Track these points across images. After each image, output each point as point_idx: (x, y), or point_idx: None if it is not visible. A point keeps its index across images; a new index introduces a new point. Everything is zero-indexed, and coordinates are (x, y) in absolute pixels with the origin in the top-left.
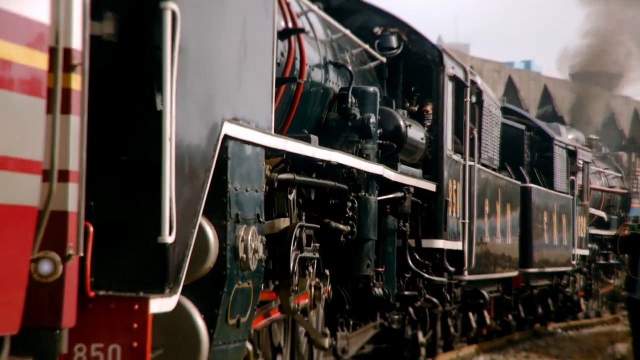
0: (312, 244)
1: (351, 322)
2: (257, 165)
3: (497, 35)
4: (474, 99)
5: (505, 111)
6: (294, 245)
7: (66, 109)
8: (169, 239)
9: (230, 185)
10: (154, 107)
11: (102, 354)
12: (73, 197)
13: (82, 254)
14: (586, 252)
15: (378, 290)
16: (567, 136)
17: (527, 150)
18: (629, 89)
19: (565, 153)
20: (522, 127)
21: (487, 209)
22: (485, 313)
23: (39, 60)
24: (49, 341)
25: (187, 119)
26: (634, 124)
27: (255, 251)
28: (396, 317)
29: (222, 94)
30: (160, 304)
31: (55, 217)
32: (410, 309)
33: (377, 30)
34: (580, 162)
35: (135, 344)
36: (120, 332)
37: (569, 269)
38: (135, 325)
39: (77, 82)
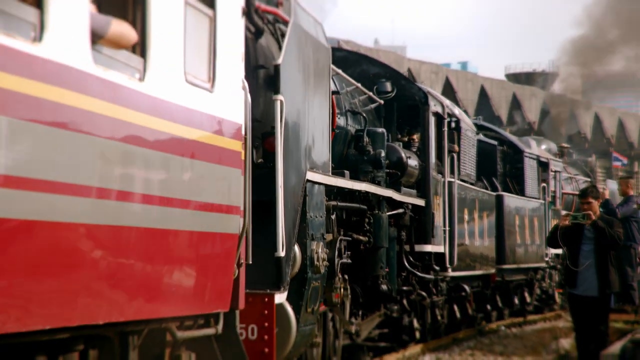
0: (346, 252)
1: (360, 312)
2: (321, 198)
3: (433, 38)
4: (452, 125)
5: (481, 128)
6: (337, 254)
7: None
8: (282, 253)
9: (308, 214)
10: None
11: (244, 331)
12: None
13: (250, 262)
14: (560, 251)
15: (384, 287)
16: (536, 148)
17: (500, 162)
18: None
19: (536, 163)
20: (495, 142)
21: (466, 216)
22: (467, 305)
23: (238, 146)
24: (232, 318)
25: (287, 171)
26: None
27: (323, 259)
28: (395, 307)
29: (305, 150)
30: (279, 298)
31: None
32: (405, 301)
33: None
34: (553, 171)
35: (266, 324)
36: (256, 316)
37: (542, 265)
38: (266, 312)
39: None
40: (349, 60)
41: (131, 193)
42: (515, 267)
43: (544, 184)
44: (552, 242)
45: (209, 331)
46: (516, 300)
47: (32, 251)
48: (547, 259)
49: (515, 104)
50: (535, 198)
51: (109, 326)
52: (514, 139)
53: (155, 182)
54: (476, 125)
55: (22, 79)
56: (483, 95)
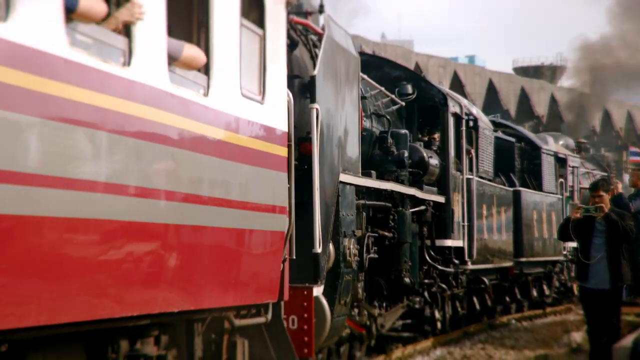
0: (373, 248)
1: (384, 304)
2: (352, 198)
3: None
4: (470, 124)
5: (499, 125)
6: (365, 249)
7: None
8: (319, 250)
9: (341, 212)
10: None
11: (285, 321)
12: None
13: (294, 257)
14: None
15: (407, 280)
16: (554, 144)
17: (518, 159)
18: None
19: (554, 159)
20: (513, 139)
21: (484, 212)
22: (487, 297)
23: (284, 152)
24: (278, 308)
25: (323, 173)
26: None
27: (354, 255)
28: (417, 299)
29: (338, 153)
30: (317, 291)
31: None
32: (426, 294)
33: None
34: (570, 167)
35: (305, 315)
36: (296, 307)
37: (560, 258)
38: (305, 304)
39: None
40: (371, 63)
41: (199, 196)
42: (533, 261)
43: (561, 180)
44: (563, 234)
45: (260, 320)
46: (535, 293)
47: (134, 252)
48: (565, 252)
49: (524, 98)
50: (553, 193)
51: (180, 314)
52: (531, 135)
53: (217, 185)
54: (494, 122)
55: (115, 99)
56: (491, 89)
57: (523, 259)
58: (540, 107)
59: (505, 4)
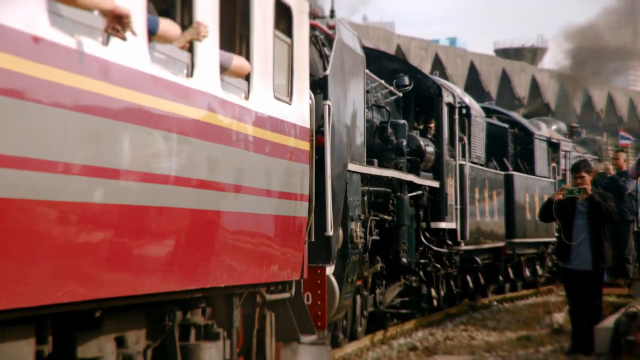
0: (375, 230)
1: (384, 282)
2: (358, 185)
3: (421, 14)
4: (463, 112)
5: (494, 112)
6: (368, 231)
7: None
8: (330, 233)
9: (349, 198)
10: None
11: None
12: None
13: (312, 240)
14: None
15: (404, 260)
16: (547, 129)
17: (511, 144)
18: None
19: (546, 144)
20: (506, 125)
21: (477, 195)
22: (480, 275)
23: (307, 146)
24: (298, 285)
25: (334, 164)
26: (560, 94)
27: (360, 237)
28: (414, 278)
29: (347, 145)
30: (329, 270)
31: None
32: (422, 273)
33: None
34: (563, 151)
35: (319, 292)
36: (311, 285)
37: (552, 239)
38: (319, 282)
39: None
40: (370, 57)
41: (241, 186)
42: (526, 242)
43: (554, 164)
44: (544, 215)
45: (286, 295)
46: (527, 273)
47: (196, 235)
48: (557, 234)
49: (505, 79)
50: (545, 177)
51: (223, 289)
52: (524, 121)
53: (255, 176)
54: (489, 109)
55: (182, 105)
56: (472, 71)
57: (516, 240)
58: (521, 89)
59: None
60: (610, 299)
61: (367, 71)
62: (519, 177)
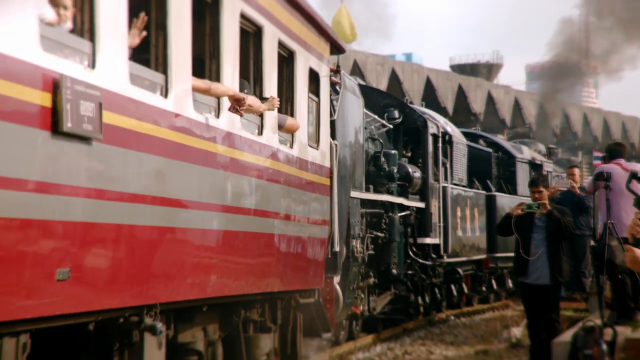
0: (370, 246)
1: (376, 291)
2: (358, 208)
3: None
4: (447, 139)
5: (479, 137)
6: (365, 247)
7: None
8: (337, 249)
9: (351, 220)
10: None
11: None
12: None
13: (329, 256)
14: None
15: (394, 271)
16: (529, 152)
17: (495, 167)
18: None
19: (528, 166)
20: (490, 150)
21: (459, 213)
22: (464, 285)
23: (328, 181)
24: (318, 292)
25: (341, 192)
26: (515, 113)
27: (360, 252)
28: (403, 287)
29: (349, 175)
30: (336, 280)
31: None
32: (409, 283)
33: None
34: (545, 172)
35: (328, 297)
36: (322, 292)
37: None
38: (328, 289)
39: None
40: (365, 93)
41: (290, 215)
42: (507, 255)
43: None
44: (502, 230)
45: (311, 300)
46: (510, 284)
47: (265, 251)
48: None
49: (461, 95)
50: (527, 196)
51: (271, 294)
52: (507, 145)
53: (298, 207)
54: (475, 134)
55: (255, 156)
56: (429, 86)
57: (498, 254)
58: (477, 105)
59: (441, 2)
60: (568, 313)
61: (365, 110)
62: (501, 197)
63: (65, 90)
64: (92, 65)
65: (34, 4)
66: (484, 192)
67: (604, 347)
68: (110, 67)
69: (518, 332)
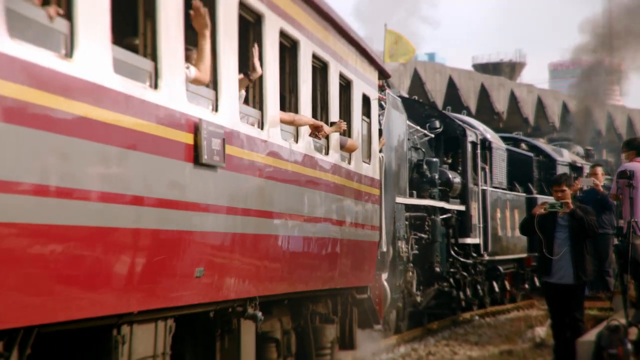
0: (415, 246)
1: (421, 288)
2: (402, 212)
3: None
4: (486, 145)
5: (521, 141)
6: (410, 247)
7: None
8: (385, 249)
9: (397, 223)
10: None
11: None
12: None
13: (379, 257)
14: None
15: (437, 269)
16: (569, 155)
17: (536, 170)
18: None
19: (569, 169)
20: (531, 154)
21: (498, 214)
22: (506, 282)
23: (377, 192)
24: (369, 288)
25: (387, 198)
26: (538, 112)
27: (405, 252)
28: (445, 284)
29: (395, 183)
30: (384, 277)
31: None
32: (451, 280)
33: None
34: (586, 174)
35: (377, 292)
36: (372, 288)
37: None
38: (377, 285)
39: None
40: (407, 105)
41: (344, 221)
42: None
43: None
44: (525, 230)
45: (364, 295)
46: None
47: (331, 253)
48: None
49: (484, 94)
50: None
51: (334, 290)
52: (548, 149)
53: (354, 214)
54: (517, 139)
55: (323, 173)
56: (451, 86)
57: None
58: (500, 104)
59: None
60: (592, 312)
61: (407, 121)
62: (542, 199)
63: (203, 131)
64: (216, 109)
65: (181, 65)
66: (524, 194)
67: (629, 346)
68: (228, 110)
69: (542, 331)
